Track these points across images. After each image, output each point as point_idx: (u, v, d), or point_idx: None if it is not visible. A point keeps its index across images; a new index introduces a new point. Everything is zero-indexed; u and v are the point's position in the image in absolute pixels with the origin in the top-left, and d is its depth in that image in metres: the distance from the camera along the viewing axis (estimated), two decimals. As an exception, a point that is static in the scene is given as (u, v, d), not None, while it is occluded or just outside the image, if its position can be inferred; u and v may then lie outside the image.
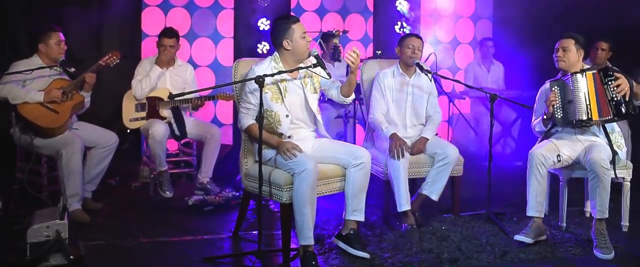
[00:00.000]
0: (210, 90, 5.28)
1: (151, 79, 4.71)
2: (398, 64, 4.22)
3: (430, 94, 4.24)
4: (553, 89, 3.80)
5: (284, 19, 3.42)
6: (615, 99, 3.61)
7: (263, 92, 3.21)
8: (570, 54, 3.81)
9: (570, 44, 3.82)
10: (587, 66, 3.92)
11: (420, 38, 4.18)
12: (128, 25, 6.09)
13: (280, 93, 3.42)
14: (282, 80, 3.42)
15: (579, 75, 3.72)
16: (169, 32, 4.79)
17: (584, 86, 3.69)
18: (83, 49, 5.79)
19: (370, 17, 6.92)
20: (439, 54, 7.01)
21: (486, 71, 6.56)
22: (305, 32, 3.40)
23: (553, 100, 3.76)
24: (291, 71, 3.41)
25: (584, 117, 3.68)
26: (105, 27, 5.97)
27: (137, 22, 6.06)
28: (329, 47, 5.88)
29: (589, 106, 3.67)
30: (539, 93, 4.06)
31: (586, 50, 3.93)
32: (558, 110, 3.77)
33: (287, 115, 3.44)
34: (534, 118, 4.07)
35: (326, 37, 5.82)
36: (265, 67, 3.38)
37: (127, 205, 4.50)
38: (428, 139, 4.07)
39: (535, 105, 4.08)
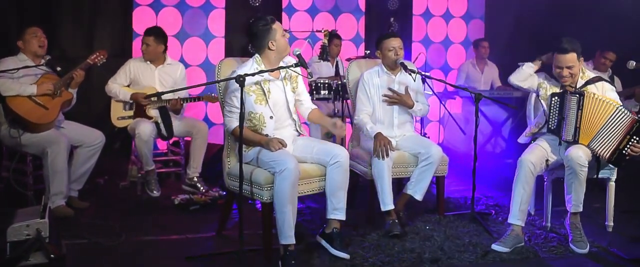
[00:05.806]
0: (200, 90, 5.31)
1: (120, 95, 4.66)
2: (381, 64, 4.17)
3: (417, 92, 4.22)
4: (553, 99, 3.70)
5: (262, 21, 3.41)
6: (624, 152, 3.52)
7: (247, 95, 3.23)
8: (575, 69, 3.67)
9: (574, 58, 3.62)
10: (587, 70, 3.84)
11: (399, 36, 4.11)
12: (119, 24, 6.10)
13: (264, 94, 3.43)
14: (265, 81, 3.43)
15: (574, 97, 3.60)
16: (147, 30, 4.79)
17: (576, 106, 3.59)
18: (74, 48, 5.82)
19: (361, 16, 6.91)
20: (431, 54, 7.03)
21: (480, 72, 6.56)
22: (283, 30, 3.44)
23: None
24: (272, 71, 3.41)
25: (570, 139, 3.63)
26: (97, 26, 5.99)
27: (128, 21, 6.07)
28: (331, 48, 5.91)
29: (578, 129, 3.60)
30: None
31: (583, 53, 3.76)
32: (552, 121, 3.72)
33: (271, 117, 3.45)
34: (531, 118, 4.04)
35: (332, 38, 5.84)
36: (247, 68, 3.38)
37: (114, 204, 4.49)
38: (415, 103, 4.08)
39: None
